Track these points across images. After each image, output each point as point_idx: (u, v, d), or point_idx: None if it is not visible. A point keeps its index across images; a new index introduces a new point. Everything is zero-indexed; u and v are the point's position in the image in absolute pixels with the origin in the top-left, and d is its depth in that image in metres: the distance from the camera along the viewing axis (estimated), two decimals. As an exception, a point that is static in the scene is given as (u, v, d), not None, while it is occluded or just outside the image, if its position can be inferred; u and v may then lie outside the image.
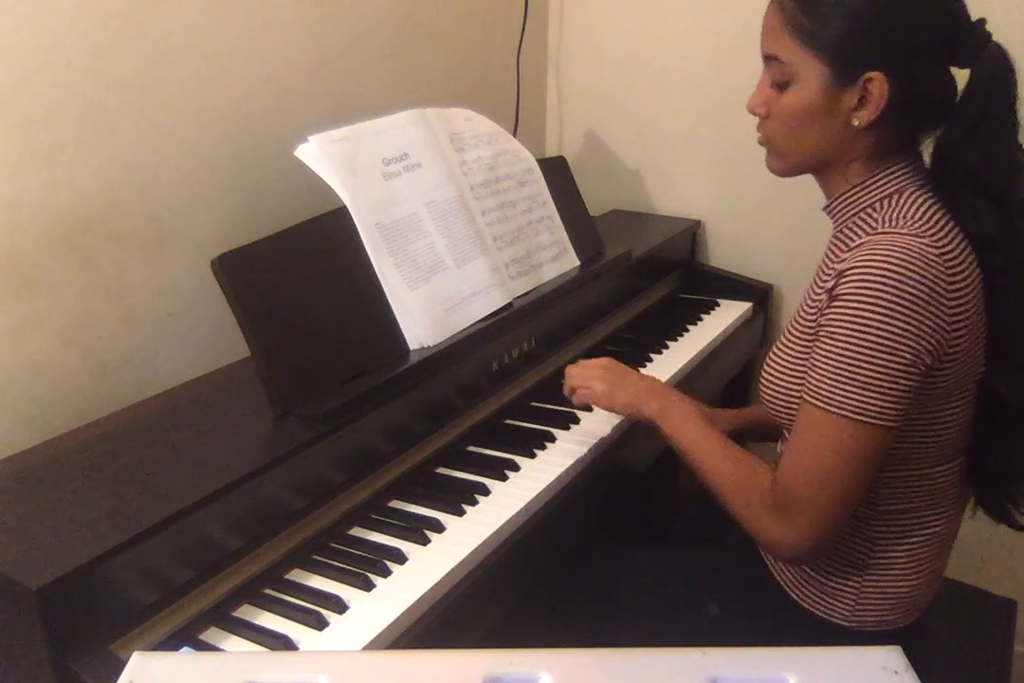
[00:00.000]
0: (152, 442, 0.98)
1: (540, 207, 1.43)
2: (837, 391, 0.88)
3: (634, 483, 1.33)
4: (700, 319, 1.68)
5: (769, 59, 0.97)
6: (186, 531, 0.85)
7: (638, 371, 1.24)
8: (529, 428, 1.25)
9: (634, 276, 1.67)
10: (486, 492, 1.08)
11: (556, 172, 1.51)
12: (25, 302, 1.07)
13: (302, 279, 1.07)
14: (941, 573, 1.10)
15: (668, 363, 1.48)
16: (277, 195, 1.34)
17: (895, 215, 0.92)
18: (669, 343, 1.55)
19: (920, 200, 0.93)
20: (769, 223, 1.77)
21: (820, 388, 0.89)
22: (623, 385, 1.14)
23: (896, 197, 0.95)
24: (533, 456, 1.16)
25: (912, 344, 0.86)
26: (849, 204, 0.99)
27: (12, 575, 0.75)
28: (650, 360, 1.48)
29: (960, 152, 0.91)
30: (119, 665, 0.64)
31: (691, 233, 1.86)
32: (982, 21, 0.92)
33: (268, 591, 0.92)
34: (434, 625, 0.90)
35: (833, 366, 0.88)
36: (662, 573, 1.20)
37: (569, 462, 1.15)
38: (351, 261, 1.13)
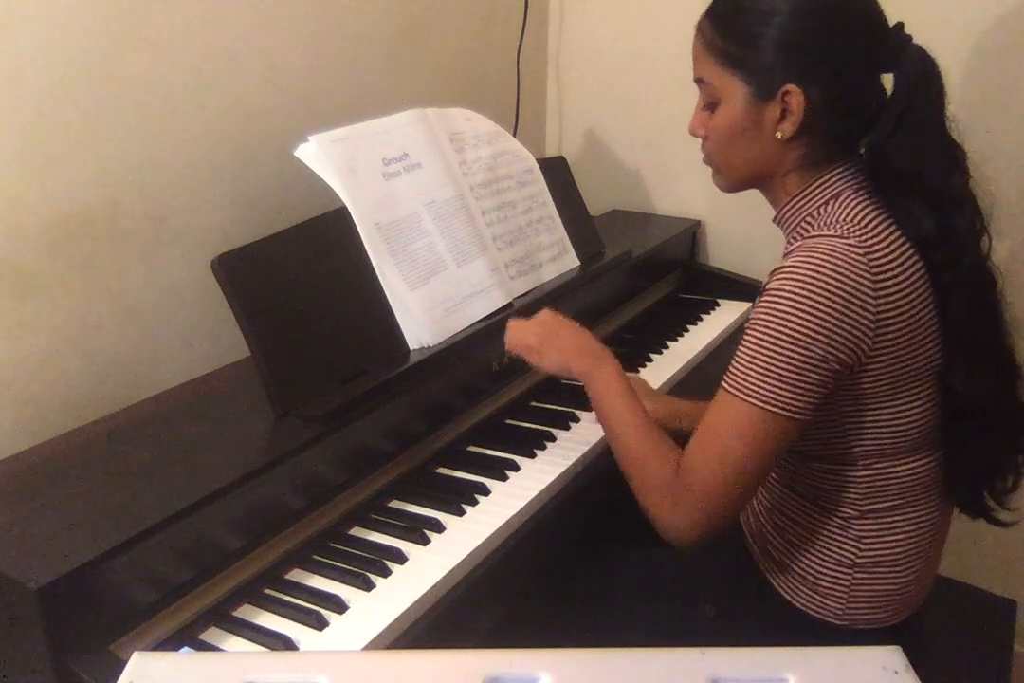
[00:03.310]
0: (152, 442, 0.98)
1: (540, 207, 1.43)
2: (748, 379, 0.89)
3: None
4: (700, 319, 1.68)
5: (699, 82, 1.01)
6: (186, 531, 0.85)
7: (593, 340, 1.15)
8: (529, 428, 1.25)
9: (634, 276, 1.67)
10: (486, 492, 1.08)
11: (556, 172, 1.51)
12: (25, 302, 1.07)
13: (302, 279, 1.07)
14: (933, 571, 1.10)
15: (668, 363, 1.48)
16: (277, 195, 1.34)
17: (829, 220, 0.94)
18: (669, 343, 1.55)
19: (854, 203, 0.95)
20: (769, 223, 1.75)
21: (734, 375, 0.91)
22: (554, 341, 1.12)
23: (832, 203, 0.97)
24: (533, 456, 1.16)
25: (824, 339, 0.87)
26: (792, 214, 1.01)
27: (12, 575, 0.75)
28: (650, 360, 1.48)
29: (889, 153, 0.93)
30: (119, 665, 0.65)
31: (691, 233, 1.86)
32: (900, 25, 0.94)
33: (268, 591, 0.92)
34: (434, 625, 0.90)
35: (749, 355, 0.90)
36: (661, 573, 1.20)
37: (569, 462, 1.15)
38: (351, 261, 1.13)
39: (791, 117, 0.94)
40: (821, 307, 0.87)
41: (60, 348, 1.11)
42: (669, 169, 1.89)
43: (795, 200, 1.00)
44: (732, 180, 1.04)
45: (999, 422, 0.99)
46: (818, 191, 0.98)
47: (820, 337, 0.87)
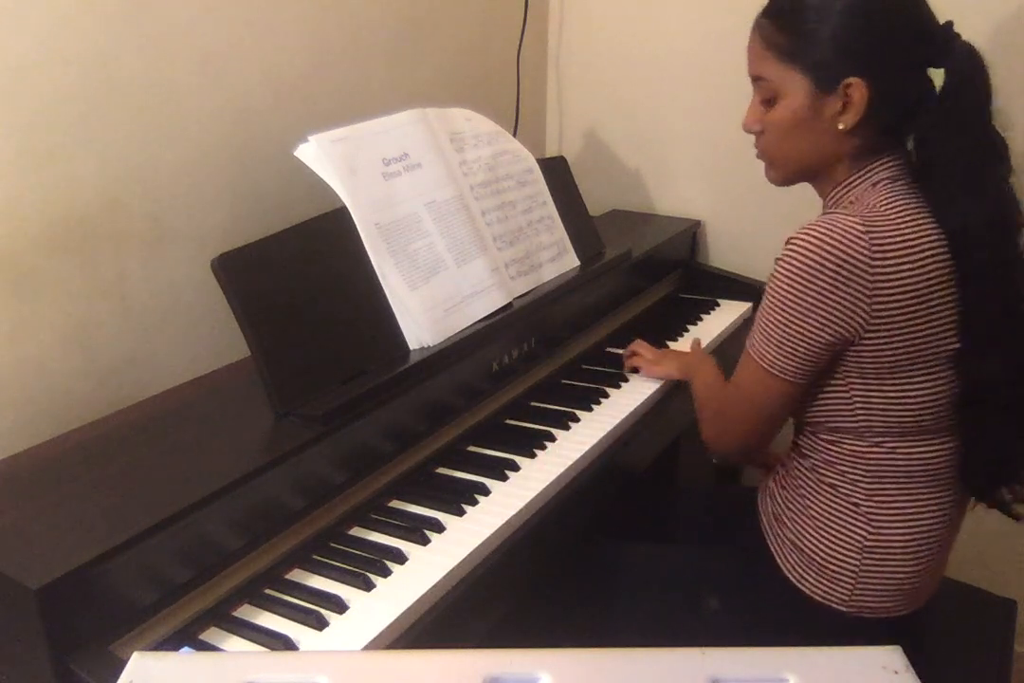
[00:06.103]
0: (152, 442, 0.98)
1: (540, 207, 1.43)
2: (757, 341, 1.01)
3: (634, 482, 1.33)
4: (700, 319, 1.68)
5: (756, 79, 1.04)
6: (186, 531, 0.85)
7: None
8: (529, 428, 1.25)
9: (634, 276, 1.67)
10: (486, 492, 1.08)
11: (556, 172, 1.51)
12: (25, 302, 1.07)
13: (302, 279, 1.07)
14: (943, 566, 1.11)
15: (668, 363, 1.48)
16: (277, 195, 1.34)
17: (861, 206, 0.98)
18: (669, 343, 1.55)
19: (887, 191, 0.98)
20: (769, 223, 1.76)
21: (752, 335, 1.02)
22: (667, 357, 1.39)
23: (871, 190, 1.00)
24: (533, 456, 1.16)
25: (818, 311, 0.94)
26: (836, 202, 1.04)
27: (12, 575, 0.75)
28: (650, 360, 1.48)
29: (931, 144, 0.97)
30: (119, 665, 0.65)
31: (691, 233, 1.86)
32: (949, 23, 0.98)
33: (268, 591, 0.92)
34: (434, 625, 0.90)
35: (759, 319, 1.00)
36: (662, 572, 1.20)
37: (569, 462, 1.15)
38: (351, 261, 1.13)
39: (853, 109, 0.97)
40: (812, 280, 0.93)
41: (60, 348, 1.11)
42: (669, 169, 1.89)
43: (840, 187, 1.03)
44: (787, 173, 1.08)
45: (1016, 411, 1.00)
46: (861, 180, 1.01)
47: (814, 309, 0.94)
